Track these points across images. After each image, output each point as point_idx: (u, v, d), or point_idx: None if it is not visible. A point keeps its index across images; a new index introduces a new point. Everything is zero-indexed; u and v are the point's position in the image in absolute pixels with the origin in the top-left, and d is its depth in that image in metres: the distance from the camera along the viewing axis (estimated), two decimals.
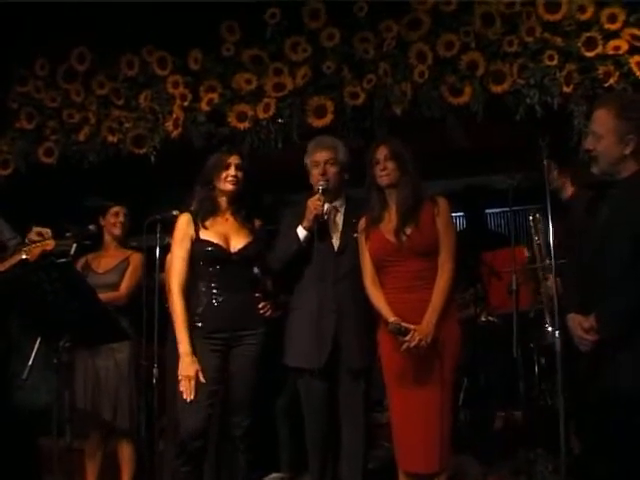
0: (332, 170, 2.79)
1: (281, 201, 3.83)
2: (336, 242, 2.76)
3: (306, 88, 3.23)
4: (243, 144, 3.25)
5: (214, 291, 2.64)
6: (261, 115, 3.31)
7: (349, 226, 2.77)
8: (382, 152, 2.62)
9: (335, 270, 2.71)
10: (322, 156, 2.79)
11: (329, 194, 2.77)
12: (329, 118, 3.19)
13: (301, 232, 2.72)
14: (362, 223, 2.67)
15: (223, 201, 2.77)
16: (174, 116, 3.42)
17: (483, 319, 3.61)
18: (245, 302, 2.67)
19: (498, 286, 3.35)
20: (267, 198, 4.04)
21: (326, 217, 2.76)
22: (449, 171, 3.95)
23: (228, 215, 2.78)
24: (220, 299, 2.64)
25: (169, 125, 3.44)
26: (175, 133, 3.41)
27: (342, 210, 2.82)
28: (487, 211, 4.61)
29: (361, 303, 2.63)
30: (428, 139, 3.24)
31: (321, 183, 2.75)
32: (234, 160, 2.76)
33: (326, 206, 2.75)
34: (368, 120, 3.19)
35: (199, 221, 2.68)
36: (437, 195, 2.65)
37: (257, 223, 2.81)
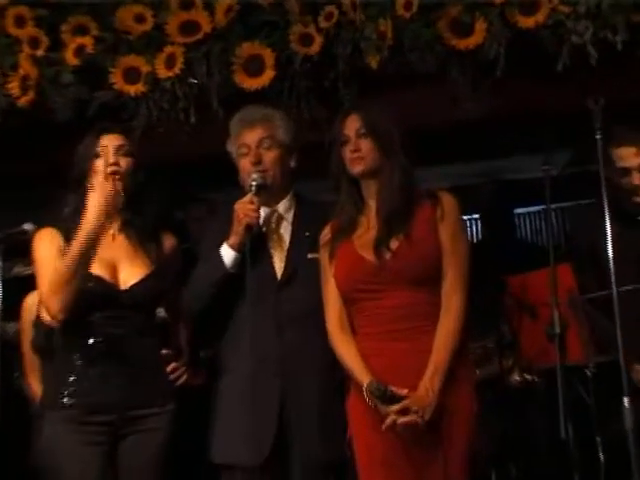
0: (270, 156, 2.84)
1: (204, 206, 3.92)
2: (279, 266, 2.81)
3: (232, 30, 3.25)
4: (136, 118, 3.26)
5: (94, 348, 2.64)
6: (162, 72, 3.28)
7: (300, 241, 2.83)
8: (353, 125, 2.65)
9: (278, 309, 2.76)
10: (252, 136, 2.85)
11: (267, 193, 2.81)
12: (268, 76, 3.20)
13: (227, 253, 2.77)
14: (325, 234, 2.71)
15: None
16: (20, 73, 3.37)
17: (515, 379, 3.61)
18: (143, 365, 2.69)
19: (533, 327, 3.28)
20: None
21: (264, 229, 2.82)
22: (455, 153, 4.00)
23: (115, 231, 2.77)
24: (103, 361, 2.64)
25: (13, 87, 3.38)
26: (24, 100, 3.36)
27: (289, 217, 2.88)
28: (515, 211, 4.67)
29: (321, 359, 2.68)
30: (421, 105, 3.26)
31: (254, 177, 2.78)
32: (111, 142, 2.75)
33: (263, 212, 2.81)
34: (329, 78, 3.20)
35: (70, 242, 2.63)
36: (439, 189, 2.69)
37: (168, 242, 2.83)
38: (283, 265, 2.81)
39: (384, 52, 3.08)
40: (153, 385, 2.69)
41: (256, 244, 2.75)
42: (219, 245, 2.79)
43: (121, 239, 2.76)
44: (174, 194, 3.83)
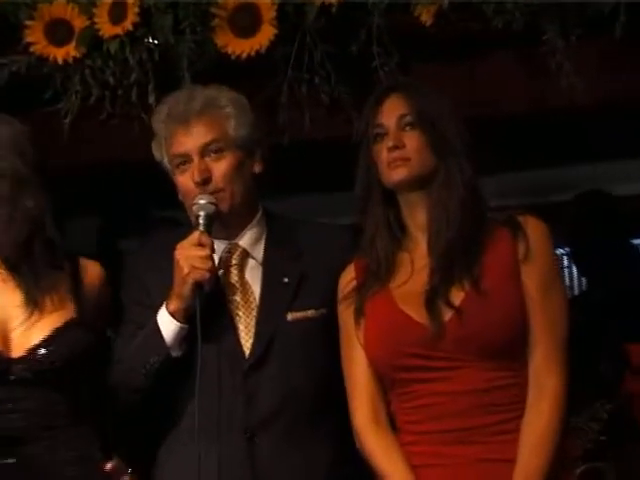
0: (222, 168, 2.74)
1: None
2: (246, 338, 2.75)
3: None
4: (64, 98, 3.15)
5: None
6: (106, 29, 3.16)
7: (276, 293, 2.77)
8: (393, 111, 2.60)
9: (246, 406, 2.71)
10: (191, 141, 2.76)
11: (223, 223, 2.75)
12: (266, 35, 3.09)
13: (167, 325, 2.69)
14: (347, 280, 2.66)
15: None
16: None
17: None
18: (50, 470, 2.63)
19: None
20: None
21: (220, 275, 2.77)
22: (539, 153, 4.00)
23: (1, 270, 2.73)
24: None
25: None
26: None
27: (257, 253, 2.82)
28: (632, 241, 4.62)
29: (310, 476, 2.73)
30: (495, 84, 3.14)
31: (200, 203, 2.71)
32: None
33: (217, 250, 2.74)
34: (357, 40, 3.08)
35: None
36: (519, 211, 2.64)
37: (91, 273, 2.76)
38: (252, 335, 2.73)
39: (444, 1, 2.97)
40: None
41: (210, 303, 2.67)
42: (153, 306, 2.71)
43: (13, 281, 2.70)
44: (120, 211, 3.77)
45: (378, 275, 2.60)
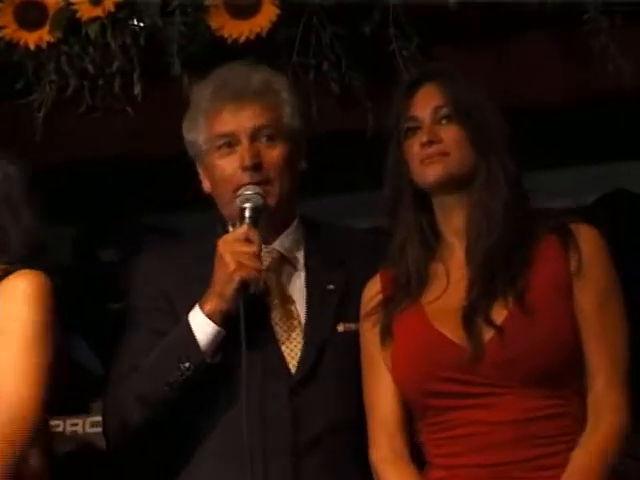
0: (274, 156, 2.74)
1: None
2: (292, 354, 2.74)
3: None
4: (37, 89, 3.17)
5: None
6: (84, 10, 3.19)
7: (323, 303, 2.76)
8: (428, 101, 2.59)
9: (293, 426, 2.69)
10: (243, 120, 2.74)
11: (266, 222, 2.73)
12: (267, 16, 3.12)
13: (203, 327, 2.68)
14: (371, 295, 2.65)
15: None
16: None
17: None
18: None
19: None
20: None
21: (263, 284, 2.75)
22: (583, 148, 3.96)
23: None
24: None
25: None
26: None
27: (298, 261, 2.83)
28: None
29: None
30: (530, 72, 3.16)
31: (247, 194, 2.69)
32: None
33: (266, 256, 2.76)
34: (371, 21, 3.09)
35: None
36: (570, 217, 2.64)
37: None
38: (300, 350, 2.72)
39: None
40: None
41: (249, 309, 2.64)
42: (170, 312, 2.71)
43: None
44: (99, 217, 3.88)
45: (408, 289, 2.57)
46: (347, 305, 2.71)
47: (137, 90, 3.18)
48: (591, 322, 2.51)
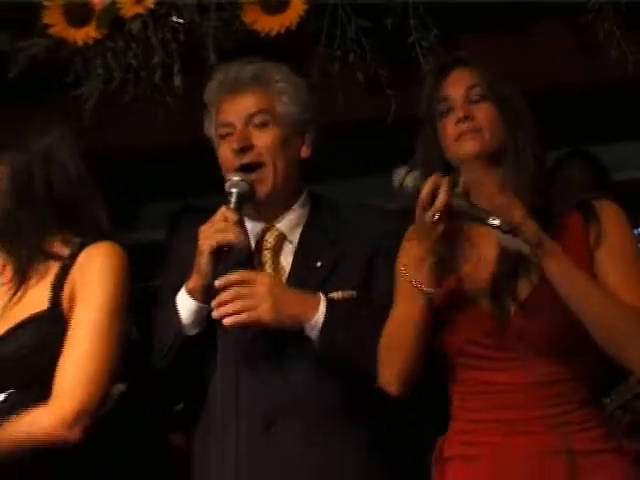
0: (264, 139, 2.80)
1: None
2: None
3: None
4: (85, 82, 3.26)
5: None
6: (127, 8, 3.30)
7: (306, 276, 2.81)
8: (460, 82, 2.65)
9: (269, 392, 2.76)
10: (238, 108, 2.82)
11: (260, 206, 2.82)
12: (296, 11, 3.22)
13: (184, 304, 2.76)
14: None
15: None
16: None
17: None
18: None
19: None
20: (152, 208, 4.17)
21: (255, 260, 2.82)
22: (593, 130, 4.01)
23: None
24: None
25: None
26: None
27: (294, 238, 2.87)
28: None
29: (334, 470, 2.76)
30: (542, 58, 3.23)
31: (233, 180, 2.76)
32: None
33: (252, 230, 2.82)
34: (393, 14, 3.20)
35: None
36: (594, 195, 2.67)
37: (89, 257, 2.77)
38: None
39: None
40: None
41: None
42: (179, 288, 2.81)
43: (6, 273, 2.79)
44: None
45: (441, 263, 2.63)
46: (333, 281, 2.78)
47: (177, 82, 3.28)
48: (613, 289, 2.55)
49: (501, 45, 3.20)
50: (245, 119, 2.77)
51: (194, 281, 2.70)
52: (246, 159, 2.73)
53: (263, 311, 2.69)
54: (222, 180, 2.87)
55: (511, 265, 2.58)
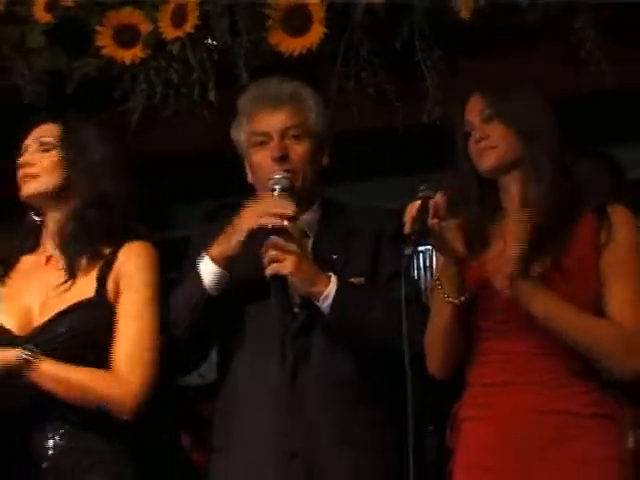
0: (299, 151, 2.95)
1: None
2: (297, 302, 2.94)
3: None
4: (132, 97, 3.38)
5: None
6: (168, 31, 3.41)
7: (325, 267, 2.92)
8: (475, 107, 2.78)
9: (296, 366, 2.89)
10: (276, 121, 2.95)
11: (293, 199, 2.89)
12: (316, 34, 3.31)
13: (208, 267, 2.87)
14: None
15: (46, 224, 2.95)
16: None
17: None
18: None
19: None
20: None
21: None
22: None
23: (51, 251, 2.94)
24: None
25: None
26: None
27: (313, 233, 3.01)
28: None
29: (358, 435, 2.89)
30: (532, 73, 3.24)
31: (276, 178, 2.89)
32: (33, 136, 2.91)
33: (293, 228, 2.90)
34: (401, 36, 3.28)
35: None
36: (611, 200, 2.75)
37: (129, 254, 2.90)
38: (299, 302, 2.91)
39: None
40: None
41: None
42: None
43: (57, 261, 2.88)
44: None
45: (472, 246, 2.70)
46: (347, 271, 2.91)
47: (212, 97, 3.39)
48: (611, 286, 2.64)
49: (495, 64, 3.23)
50: (282, 131, 2.91)
51: (220, 251, 2.84)
52: (285, 166, 2.88)
53: (287, 266, 2.78)
54: (246, 182, 3.03)
55: (531, 247, 2.65)
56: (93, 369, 2.80)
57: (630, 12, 3.09)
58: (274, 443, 2.86)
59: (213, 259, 2.84)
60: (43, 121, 2.91)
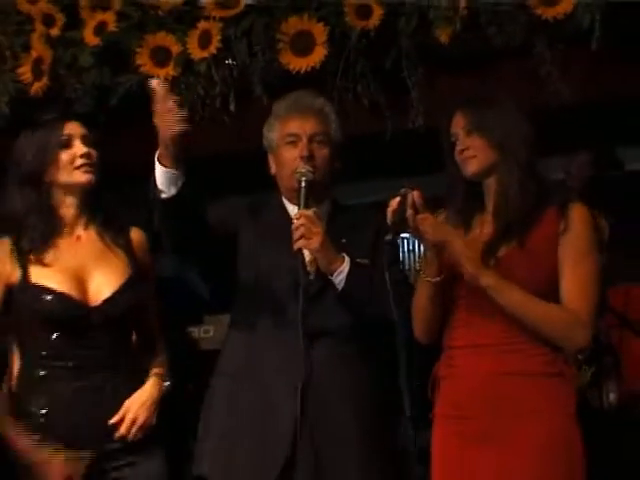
0: (322, 154, 3.19)
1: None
2: (312, 269, 3.16)
3: (277, 1, 3.51)
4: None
5: (61, 375, 2.84)
6: (196, 52, 3.57)
7: (336, 248, 3.14)
8: (459, 123, 2.94)
9: (307, 315, 3.09)
10: (306, 127, 3.18)
11: (311, 194, 3.12)
12: (319, 55, 3.47)
13: (158, 170, 2.94)
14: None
15: (69, 207, 2.96)
16: (33, 55, 3.66)
17: (609, 402, 3.77)
18: (117, 402, 2.87)
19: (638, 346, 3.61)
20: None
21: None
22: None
23: (80, 231, 2.98)
24: (75, 387, 2.82)
25: (24, 72, 3.69)
26: (36, 87, 3.65)
27: (324, 223, 3.17)
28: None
29: (358, 383, 3.18)
30: (500, 89, 3.30)
31: (302, 171, 3.11)
32: (75, 130, 2.96)
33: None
34: (390, 57, 3.47)
35: (27, 251, 2.86)
36: (572, 199, 2.92)
37: (137, 238, 3.08)
38: (314, 270, 3.12)
39: (456, 25, 3.24)
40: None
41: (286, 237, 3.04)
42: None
43: (89, 238, 2.95)
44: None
45: (461, 221, 2.94)
46: (354, 254, 3.11)
47: (232, 107, 3.59)
48: (566, 269, 2.81)
49: (467, 79, 3.44)
50: (310, 136, 3.15)
51: (160, 151, 2.90)
52: (309, 164, 3.10)
53: (314, 243, 3.00)
54: (268, 179, 3.22)
55: (498, 234, 2.85)
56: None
57: (580, 39, 3.21)
58: (284, 375, 3.04)
59: (158, 159, 2.90)
60: (67, 120, 2.97)
